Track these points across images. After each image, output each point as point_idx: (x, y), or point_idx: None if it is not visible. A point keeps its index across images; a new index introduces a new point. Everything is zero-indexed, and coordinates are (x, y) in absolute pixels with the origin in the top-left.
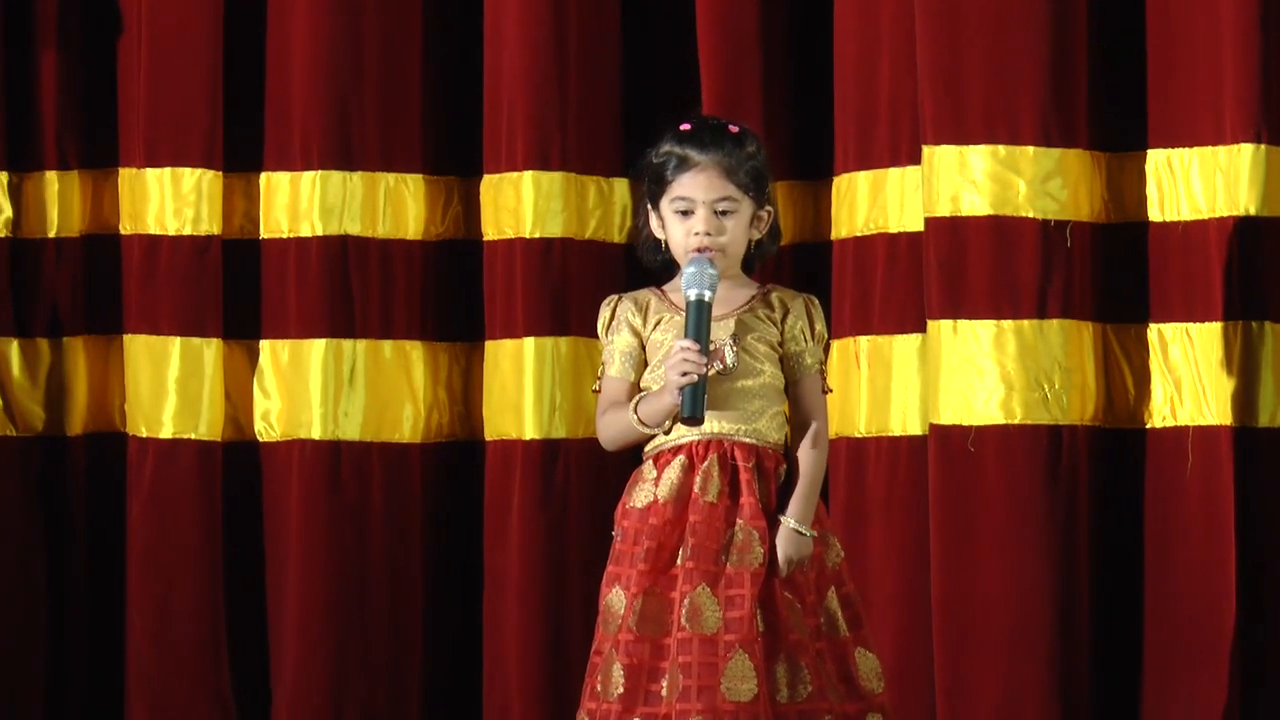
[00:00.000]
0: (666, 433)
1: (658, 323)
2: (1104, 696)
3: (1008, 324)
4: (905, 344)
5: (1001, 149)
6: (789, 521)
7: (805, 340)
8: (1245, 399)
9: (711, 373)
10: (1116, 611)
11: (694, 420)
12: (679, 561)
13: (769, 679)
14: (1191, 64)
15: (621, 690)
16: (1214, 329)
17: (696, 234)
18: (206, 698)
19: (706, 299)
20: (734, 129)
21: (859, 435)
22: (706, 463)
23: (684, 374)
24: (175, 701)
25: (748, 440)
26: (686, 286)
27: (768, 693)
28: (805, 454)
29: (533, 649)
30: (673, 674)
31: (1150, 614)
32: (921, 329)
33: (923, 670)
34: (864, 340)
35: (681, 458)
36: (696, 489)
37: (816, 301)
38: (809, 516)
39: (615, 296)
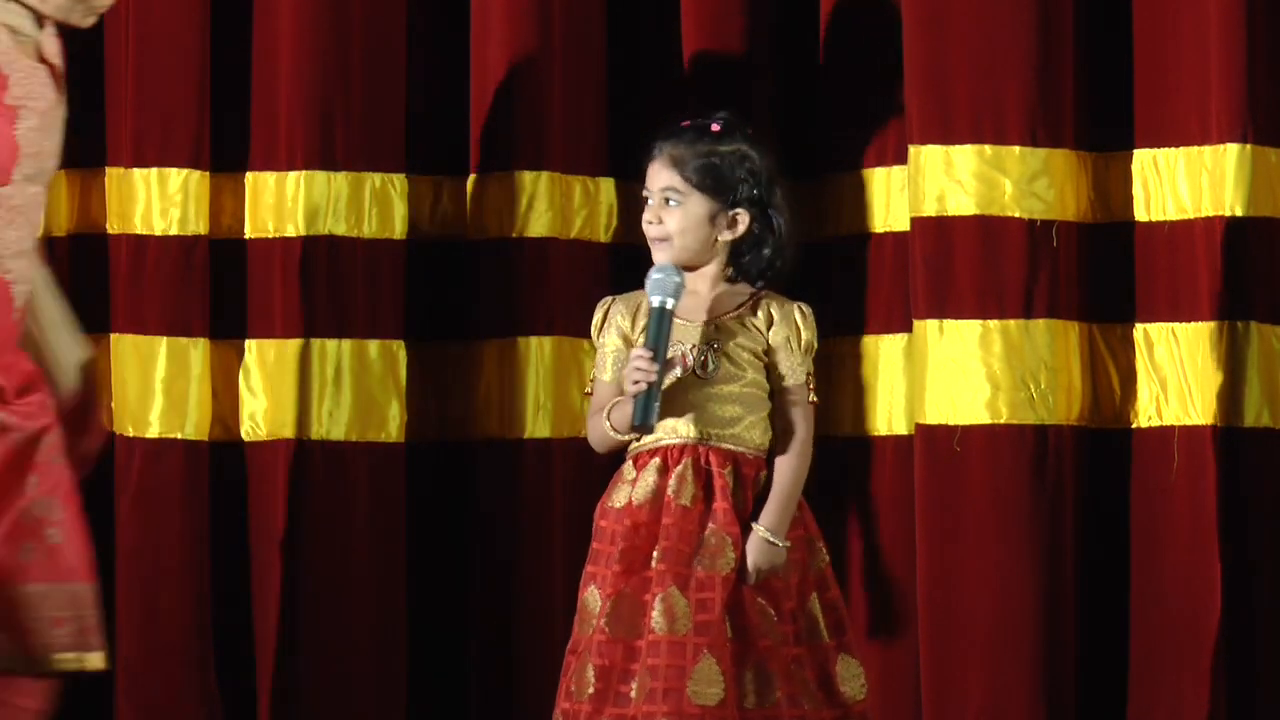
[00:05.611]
0: (638, 438)
1: (640, 331)
2: (1089, 696)
3: (993, 324)
4: (891, 344)
5: (988, 149)
6: (760, 530)
7: (790, 349)
8: (1231, 399)
9: (670, 381)
10: (1102, 611)
11: (644, 428)
12: (652, 564)
13: (737, 684)
14: (1178, 64)
15: (593, 690)
16: (1200, 329)
17: (647, 223)
18: (193, 696)
19: (669, 306)
20: (714, 126)
21: (845, 435)
22: (681, 466)
23: (635, 382)
24: (162, 700)
25: (724, 445)
26: (649, 292)
27: (735, 698)
28: (783, 463)
29: (517, 649)
30: (641, 675)
31: (1136, 614)
32: (907, 329)
33: (907, 670)
34: (850, 340)
35: (657, 460)
36: (670, 492)
37: (807, 310)
38: (782, 526)
39: (609, 299)
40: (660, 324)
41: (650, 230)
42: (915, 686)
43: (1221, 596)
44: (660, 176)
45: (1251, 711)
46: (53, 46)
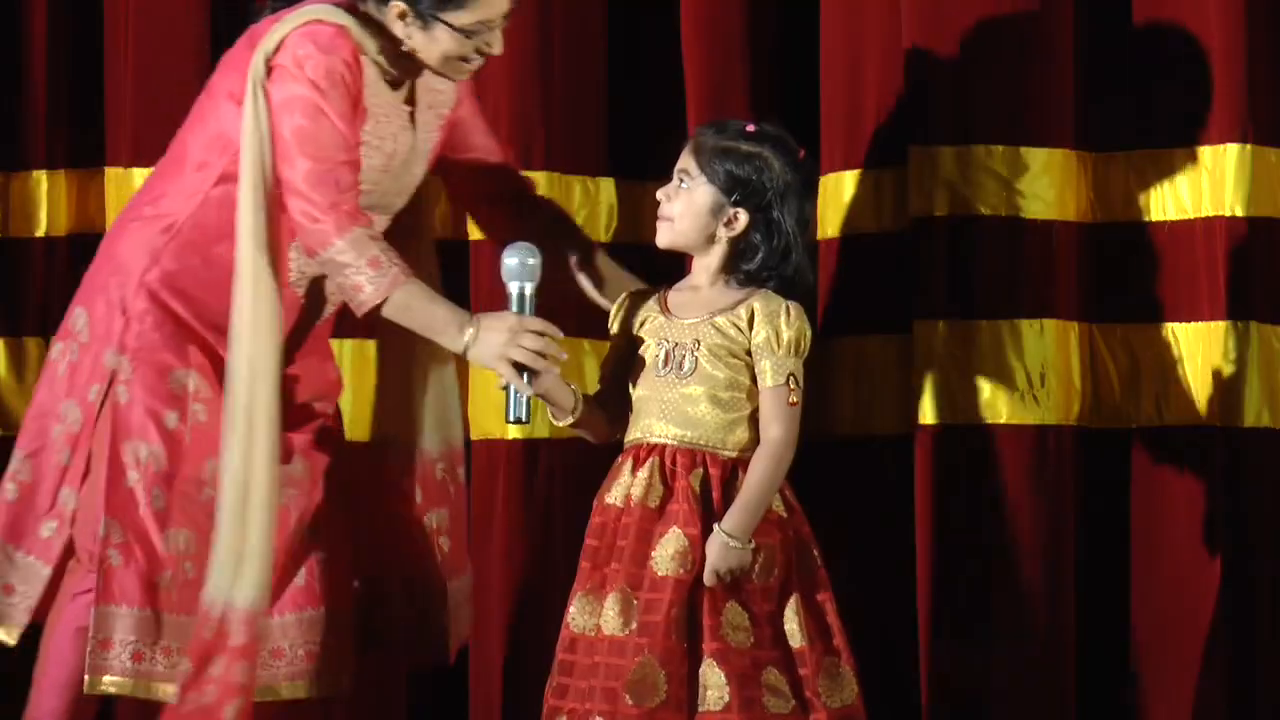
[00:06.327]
0: (577, 425)
1: (642, 323)
2: (1089, 696)
3: (993, 324)
4: (891, 343)
5: (988, 148)
6: (720, 532)
7: (771, 349)
8: (1231, 399)
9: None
10: (1102, 611)
11: (518, 422)
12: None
13: (685, 686)
14: (1177, 64)
15: (555, 684)
16: (1200, 329)
17: (658, 199)
18: None
19: (528, 292)
20: (749, 127)
21: (843, 435)
22: (647, 466)
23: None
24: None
25: (694, 446)
26: (505, 279)
27: (682, 699)
28: (754, 464)
29: (517, 648)
30: (591, 673)
31: (1136, 614)
32: (907, 329)
33: (907, 671)
34: (850, 340)
35: (630, 460)
36: (635, 492)
37: (795, 309)
38: (745, 528)
39: (627, 293)
40: (520, 311)
41: (660, 209)
42: (914, 687)
43: (1221, 596)
44: (682, 158)
45: (1251, 711)
46: (431, 98)
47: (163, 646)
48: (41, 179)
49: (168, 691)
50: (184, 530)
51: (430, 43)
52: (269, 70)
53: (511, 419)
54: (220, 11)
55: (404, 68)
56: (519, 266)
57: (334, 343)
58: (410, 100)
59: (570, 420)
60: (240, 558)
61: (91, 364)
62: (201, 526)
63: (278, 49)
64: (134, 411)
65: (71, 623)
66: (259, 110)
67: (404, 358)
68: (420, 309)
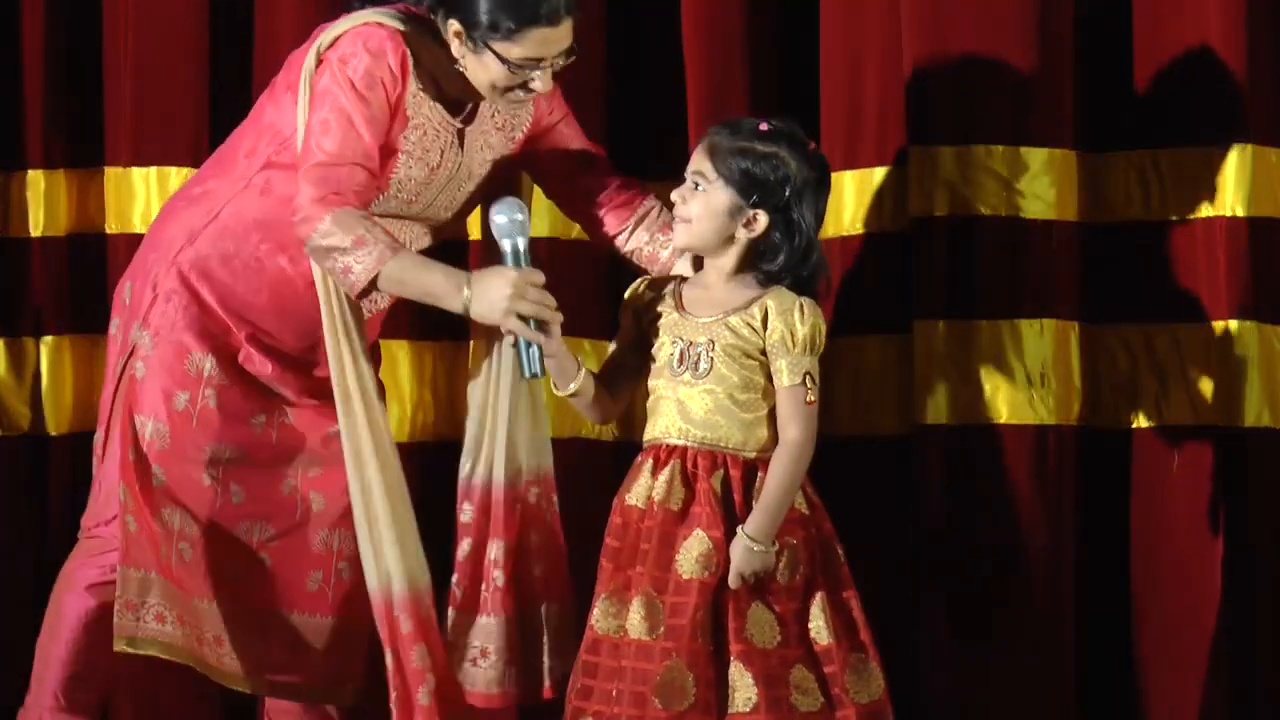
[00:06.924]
0: (575, 395)
1: (656, 316)
2: (1090, 696)
3: (994, 323)
4: (891, 343)
5: (988, 148)
6: (743, 535)
7: (786, 348)
8: (1231, 399)
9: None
10: (1102, 611)
11: (532, 377)
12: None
13: (713, 689)
14: (1178, 64)
15: (580, 686)
16: (1200, 329)
17: (673, 200)
18: (194, 696)
19: (521, 247)
20: (763, 126)
21: (843, 435)
22: (668, 468)
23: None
24: (162, 700)
25: (714, 447)
26: (498, 238)
27: (710, 702)
28: (774, 465)
29: None
30: (617, 676)
31: (1137, 614)
32: (907, 329)
33: (907, 671)
34: (851, 340)
35: (650, 460)
36: (656, 494)
37: (809, 306)
38: (767, 530)
39: (646, 277)
40: (517, 266)
41: (676, 210)
42: (915, 687)
43: (1221, 596)
44: (695, 160)
45: (1251, 711)
46: (503, 119)
47: (176, 614)
48: (40, 179)
49: (166, 649)
50: (179, 510)
51: (480, 68)
52: (318, 63)
53: (526, 374)
54: (220, 11)
55: (463, 86)
56: (509, 223)
57: (395, 344)
58: (466, 119)
59: (573, 389)
60: (379, 548)
61: (122, 337)
62: (197, 509)
63: (331, 44)
64: (148, 387)
65: (74, 592)
66: (304, 103)
67: (495, 375)
68: (414, 278)
